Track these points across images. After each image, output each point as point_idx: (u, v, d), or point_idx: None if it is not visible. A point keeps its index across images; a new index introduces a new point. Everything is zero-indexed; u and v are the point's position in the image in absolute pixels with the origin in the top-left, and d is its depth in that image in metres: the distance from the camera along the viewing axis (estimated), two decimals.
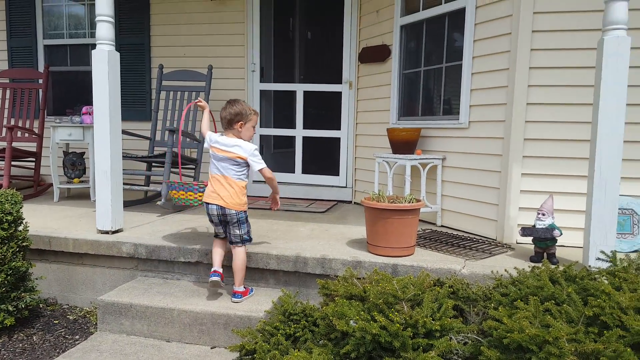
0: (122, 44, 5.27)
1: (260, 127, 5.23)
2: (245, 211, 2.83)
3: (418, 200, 2.97)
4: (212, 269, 2.80)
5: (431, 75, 4.07)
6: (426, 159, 3.77)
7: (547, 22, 3.10)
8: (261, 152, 5.20)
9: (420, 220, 3.15)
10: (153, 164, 4.69)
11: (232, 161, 2.76)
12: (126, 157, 4.17)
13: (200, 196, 3.01)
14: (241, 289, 2.83)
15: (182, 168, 4.64)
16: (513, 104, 3.19)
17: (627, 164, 2.73)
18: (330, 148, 5.39)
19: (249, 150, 2.77)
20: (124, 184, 3.94)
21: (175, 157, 4.17)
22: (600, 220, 2.57)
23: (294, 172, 5.21)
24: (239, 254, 2.81)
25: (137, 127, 5.05)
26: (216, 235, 2.91)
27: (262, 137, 5.33)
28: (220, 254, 2.87)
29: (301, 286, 2.96)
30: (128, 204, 4.38)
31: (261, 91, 5.19)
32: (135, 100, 5.38)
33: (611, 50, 2.44)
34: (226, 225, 2.82)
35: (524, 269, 2.47)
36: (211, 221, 2.86)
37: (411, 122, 4.17)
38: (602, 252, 2.51)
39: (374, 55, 4.57)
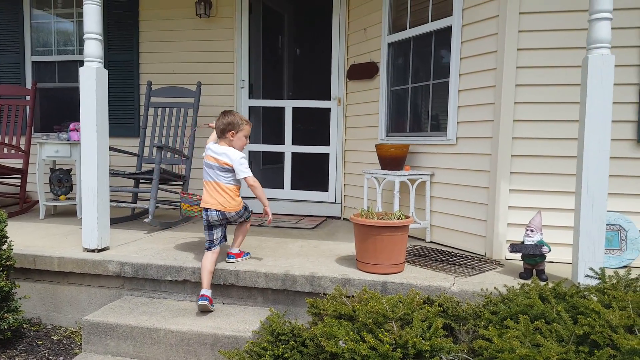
0: (110, 60, 5.26)
1: (250, 143, 5.19)
2: (243, 207, 3.10)
3: (407, 217, 2.96)
4: (201, 292, 2.83)
5: (419, 91, 4.10)
6: (415, 175, 3.77)
7: (532, 39, 3.14)
8: (250, 168, 5.25)
9: (409, 236, 3.14)
10: (141, 181, 4.65)
11: (221, 168, 2.97)
12: (113, 173, 4.15)
13: (196, 209, 3.32)
14: (235, 250, 3.11)
15: (170, 184, 4.62)
16: (500, 120, 3.22)
17: (613, 180, 2.76)
18: (319, 164, 5.39)
19: (235, 158, 2.96)
20: (111, 201, 3.89)
21: (163, 174, 4.14)
22: (589, 236, 2.58)
23: (283, 188, 5.19)
24: (245, 224, 3.18)
25: (125, 144, 5.02)
26: (208, 248, 2.97)
27: (251, 153, 5.32)
28: (209, 272, 2.90)
29: (290, 305, 2.93)
30: (115, 222, 4.32)
31: (250, 107, 5.19)
32: (124, 117, 5.35)
33: (596, 68, 2.47)
34: (227, 224, 3.09)
35: (513, 286, 2.47)
36: (209, 227, 3.00)
37: (400, 138, 4.19)
38: (591, 269, 2.52)
39: (362, 72, 4.60)
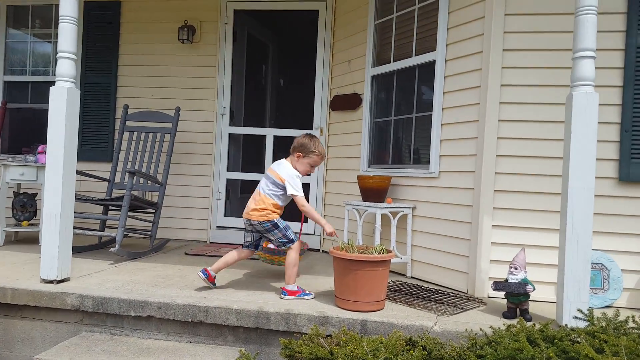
0: (87, 82, 5.15)
1: (228, 170, 5.10)
2: (272, 224, 3.00)
3: (389, 251, 2.85)
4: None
5: (402, 124, 4.07)
6: (396, 207, 3.69)
7: (515, 75, 3.14)
8: (227, 197, 5.13)
9: (390, 271, 3.03)
10: (110, 208, 4.45)
11: (272, 180, 3.01)
12: (81, 199, 3.96)
13: (269, 257, 3.38)
14: (289, 287, 2.98)
15: (142, 212, 4.44)
16: (483, 155, 3.18)
17: (595, 218, 2.70)
18: None
19: (289, 173, 2.99)
20: (77, 228, 3.73)
21: (134, 201, 3.96)
22: (574, 275, 2.50)
23: None
24: (290, 254, 3.03)
25: (97, 168, 4.85)
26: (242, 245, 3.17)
27: (229, 181, 5.17)
28: (225, 262, 3.11)
29: (263, 344, 2.75)
30: (80, 250, 4.12)
31: (230, 134, 5.08)
32: (98, 140, 5.18)
33: (580, 105, 2.45)
34: (261, 236, 3.12)
35: (499, 327, 2.36)
36: (244, 229, 3.15)
37: (382, 170, 4.12)
38: (579, 310, 2.43)
39: (345, 103, 4.57)
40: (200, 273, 3.07)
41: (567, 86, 2.59)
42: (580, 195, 2.48)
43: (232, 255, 3.13)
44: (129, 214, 3.99)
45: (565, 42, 2.94)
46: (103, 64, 5.16)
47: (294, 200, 3.01)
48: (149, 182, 4.40)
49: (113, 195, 4.46)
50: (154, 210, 4.38)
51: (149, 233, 4.36)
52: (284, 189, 2.99)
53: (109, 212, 4.49)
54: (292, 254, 3.01)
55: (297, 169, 3.04)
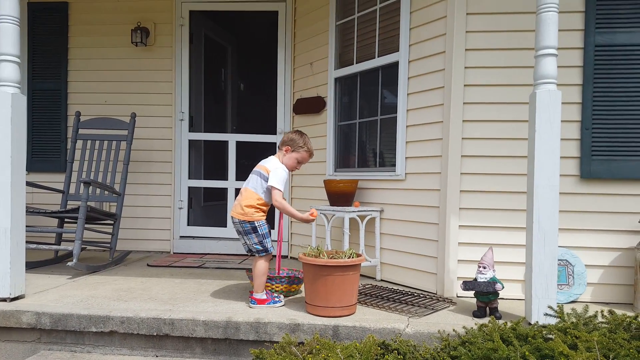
0: (35, 89, 4.90)
1: (189, 178, 4.94)
2: (252, 227, 2.89)
3: (359, 255, 2.81)
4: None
5: (367, 127, 4.05)
6: (364, 211, 3.65)
7: (478, 75, 3.17)
8: (190, 206, 4.98)
9: (360, 274, 2.98)
10: (66, 220, 4.23)
11: (259, 173, 2.93)
12: (33, 212, 3.75)
13: (285, 288, 3.14)
14: (258, 295, 2.89)
15: (100, 224, 4.24)
16: (448, 156, 3.19)
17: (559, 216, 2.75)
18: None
19: (275, 166, 2.93)
20: (31, 242, 3.54)
21: (90, 212, 3.77)
22: (541, 272, 2.53)
23: (226, 227, 4.91)
24: (257, 261, 2.93)
25: (50, 179, 4.62)
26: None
27: (191, 189, 5.02)
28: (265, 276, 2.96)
29: (233, 355, 2.65)
30: (34, 266, 3.90)
31: (190, 141, 4.93)
32: (49, 150, 4.93)
33: (544, 103, 2.48)
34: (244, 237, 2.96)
35: (471, 327, 2.35)
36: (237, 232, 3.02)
37: (348, 173, 4.08)
38: (550, 307, 2.45)
39: (308, 106, 4.51)
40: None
41: (530, 85, 2.63)
42: (545, 193, 2.51)
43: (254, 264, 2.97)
44: (87, 225, 3.81)
45: (528, 41, 2.98)
46: (52, 69, 4.92)
47: (271, 192, 2.88)
48: (106, 192, 4.21)
49: (68, 207, 4.24)
50: (112, 222, 4.19)
51: (109, 245, 4.17)
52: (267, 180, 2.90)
53: (65, 224, 4.28)
54: (262, 262, 2.91)
55: (283, 163, 2.99)
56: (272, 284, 3.07)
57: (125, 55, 4.87)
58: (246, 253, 3.12)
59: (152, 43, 4.84)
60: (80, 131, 4.48)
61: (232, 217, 2.97)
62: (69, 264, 3.55)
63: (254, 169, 3.00)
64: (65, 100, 4.91)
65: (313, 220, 2.94)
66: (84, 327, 2.68)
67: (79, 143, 4.50)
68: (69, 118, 4.84)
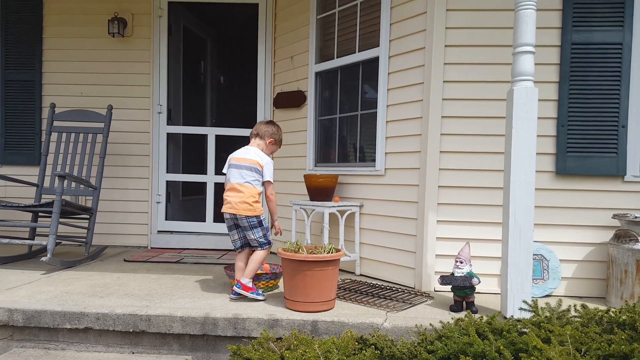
0: (8, 80, 4.78)
1: (167, 172, 4.87)
2: (258, 221, 2.95)
3: (338, 250, 2.81)
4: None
5: (347, 122, 4.04)
6: (344, 206, 3.66)
7: (457, 71, 3.19)
8: (168, 200, 4.92)
9: (339, 269, 2.99)
10: (40, 214, 4.14)
11: (249, 167, 2.94)
12: (6, 206, 3.66)
13: (263, 285, 3.10)
14: (245, 280, 2.89)
15: (75, 218, 4.16)
16: (427, 151, 3.21)
17: (534, 211, 2.79)
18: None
19: (266, 160, 2.99)
20: (3, 237, 3.47)
21: (65, 206, 3.70)
22: (517, 267, 2.57)
23: (204, 221, 4.86)
24: (257, 252, 2.98)
25: (23, 172, 4.52)
26: (234, 249, 3.07)
27: (170, 183, 4.95)
28: (240, 268, 2.97)
29: (211, 351, 2.63)
30: (7, 261, 3.82)
31: (168, 134, 4.85)
32: (23, 143, 4.80)
33: (521, 100, 2.51)
34: (238, 229, 2.99)
35: (448, 322, 2.37)
36: (229, 228, 3.03)
37: (328, 168, 4.08)
38: (524, 301, 2.49)
39: (289, 100, 4.48)
40: (236, 288, 2.90)
41: (509, 82, 2.65)
42: (521, 188, 2.55)
43: (237, 258, 3.04)
44: (61, 220, 3.74)
45: (507, 38, 3.00)
46: (26, 59, 4.79)
47: (265, 187, 2.99)
48: (82, 185, 4.13)
49: (42, 201, 4.15)
50: (88, 216, 4.12)
51: (85, 240, 4.10)
52: (262, 175, 2.96)
53: (39, 219, 4.19)
54: (263, 253, 2.98)
55: (267, 154, 3.05)
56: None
57: (102, 46, 4.77)
58: (232, 249, 3.19)
59: (130, 34, 4.74)
60: (55, 123, 4.38)
61: (232, 214, 2.92)
62: (43, 259, 3.48)
63: (237, 162, 2.96)
64: (39, 92, 4.79)
65: (277, 230, 3.14)
66: (58, 324, 2.64)
67: (54, 135, 4.40)
68: (44, 110, 4.73)
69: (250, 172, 2.93)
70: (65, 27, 4.79)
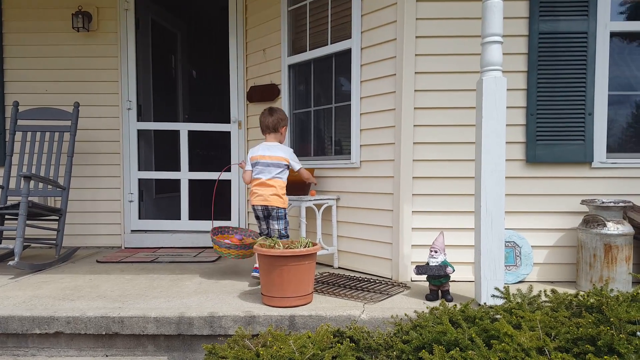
0: None
1: (140, 170, 4.78)
2: (284, 213, 3.24)
3: (314, 244, 2.80)
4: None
5: (322, 115, 4.02)
6: (321, 199, 3.65)
7: (429, 62, 3.20)
8: (141, 198, 4.83)
9: (317, 263, 2.99)
10: (6, 217, 4.01)
11: (275, 164, 3.18)
12: None
13: (234, 253, 3.31)
14: None
15: (44, 220, 4.05)
16: (401, 143, 3.22)
17: (506, 199, 2.82)
18: (221, 191, 5.07)
19: (289, 152, 3.26)
20: None
21: (33, 208, 3.59)
22: (489, 254, 2.60)
23: (179, 219, 4.79)
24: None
25: None
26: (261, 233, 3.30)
27: (142, 182, 4.86)
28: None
29: (187, 351, 2.60)
30: None
31: (139, 131, 4.75)
32: None
33: (490, 89, 2.53)
34: (268, 220, 3.23)
35: (423, 311, 2.40)
36: (257, 218, 3.28)
37: (304, 162, 4.03)
38: (496, 288, 2.52)
39: (262, 94, 4.43)
40: (255, 272, 3.16)
41: (478, 72, 2.66)
42: (492, 177, 2.57)
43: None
44: (30, 222, 3.63)
45: (477, 28, 3.02)
46: None
47: (300, 173, 3.34)
48: (49, 186, 4.01)
49: (8, 203, 4.02)
50: (57, 217, 4.01)
51: (54, 242, 3.99)
52: (287, 168, 3.23)
53: (6, 221, 4.05)
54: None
55: (282, 142, 3.32)
56: (229, 249, 3.30)
57: (66, 41, 4.62)
58: (209, 246, 3.31)
59: (95, 28, 4.61)
60: (20, 122, 4.24)
61: (264, 206, 3.18)
62: (11, 263, 3.38)
63: (265, 161, 3.18)
64: (1, 90, 4.62)
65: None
66: (26, 330, 2.57)
67: (18, 135, 4.27)
68: (7, 108, 4.57)
69: (277, 168, 3.18)
70: (27, 22, 4.63)
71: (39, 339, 2.61)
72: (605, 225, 2.91)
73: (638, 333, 1.86)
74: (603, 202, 2.97)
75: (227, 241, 3.39)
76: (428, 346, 1.97)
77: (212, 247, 4.60)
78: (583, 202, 3.08)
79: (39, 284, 3.24)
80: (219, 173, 4.84)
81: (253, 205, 3.24)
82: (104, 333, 2.56)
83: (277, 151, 3.21)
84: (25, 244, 3.54)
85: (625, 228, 2.92)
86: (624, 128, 3.29)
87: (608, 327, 1.82)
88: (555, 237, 3.22)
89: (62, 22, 4.58)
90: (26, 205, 3.47)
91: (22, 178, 3.51)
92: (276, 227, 3.20)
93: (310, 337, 2.04)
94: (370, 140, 3.49)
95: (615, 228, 2.90)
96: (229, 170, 4.54)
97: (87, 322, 2.56)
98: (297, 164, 3.28)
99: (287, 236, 3.22)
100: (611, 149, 3.23)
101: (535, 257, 3.20)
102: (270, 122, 3.25)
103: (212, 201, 5.36)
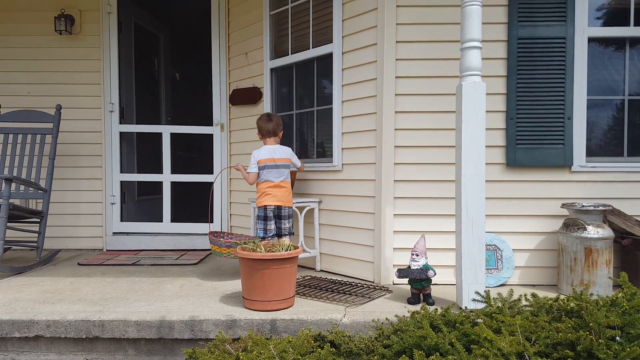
0: None
1: (122, 172, 4.74)
2: (292, 207, 3.46)
3: (296, 247, 2.81)
4: None
5: (304, 118, 4.03)
6: (303, 202, 3.65)
7: (409, 67, 3.22)
8: (123, 201, 4.80)
9: (299, 266, 3.00)
10: None
11: (284, 165, 3.41)
12: None
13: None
14: None
15: (26, 222, 4.00)
16: (382, 146, 3.24)
17: (486, 202, 2.87)
18: (203, 193, 5.06)
19: (290, 152, 3.50)
20: None
21: (14, 210, 3.55)
22: (470, 258, 2.63)
23: (162, 221, 4.76)
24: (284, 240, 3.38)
25: None
26: (262, 238, 3.35)
27: (124, 184, 4.82)
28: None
29: (168, 354, 2.59)
30: None
31: (121, 133, 4.71)
32: None
33: (469, 94, 2.56)
34: (280, 219, 3.40)
35: (404, 315, 2.41)
36: (265, 218, 3.37)
37: None
38: (477, 292, 2.55)
39: (245, 97, 4.43)
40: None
41: (458, 77, 2.70)
42: (472, 181, 2.60)
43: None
44: (10, 224, 3.59)
45: (456, 33, 3.06)
46: None
47: (301, 167, 3.63)
48: (30, 188, 3.96)
49: None
50: (39, 219, 3.96)
51: (36, 244, 3.94)
52: (294, 165, 3.52)
53: None
54: (289, 239, 3.38)
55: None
56: (229, 248, 3.37)
57: (48, 44, 4.58)
58: (190, 249, 3.35)
59: (78, 31, 4.58)
60: (1, 124, 4.20)
61: (278, 206, 3.36)
62: None
63: (275, 163, 3.36)
64: None
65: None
66: (6, 333, 2.54)
67: (0, 137, 4.21)
68: None
69: (285, 169, 3.40)
70: (8, 24, 4.58)
71: (19, 343, 2.58)
72: (585, 229, 2.94)
73: (617, 338, 1.88)
74: (583, 206, 2.99)
75: (227, 239, 3.46)
76: (409, 351, 1.98)
77: (195, 250, 4.59)
78: (563, 205, 3.11)
79: (20, 286, 3.20)
80: (202, 175, 4.84)
81: (265, 206, 3.35)
82: (84, 337, 2.54)
83: (282, 153, 3.41)
84: (5, 246, 3.50)
85: (606, 232, 2.95)
86: (604, 132, 3.34)
87: (587, 332, 1.84)
88: (536, 240, 3.26)
89: (45, 25, 4.54)
90: (7, 208, 3.42)
91: (3, 180, 3.47)
92: (287, 225, 3.41)
93: (291, 341, 2.04)
94: (351, 144, 3.51)
95: (595, 232, 2.93)
96: (220, 174, 4.55)
97: (68, 325, 2.54)
98: (297, 160, 3.54)
99: (293, 233, 3.49)
100: (591, 152, 3.27)
101: (517, 260, 3.23)
102: (271, 128, 3.43)
103: (194, 204, 5.34)
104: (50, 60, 4.60)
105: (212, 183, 4.76)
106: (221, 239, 3.43)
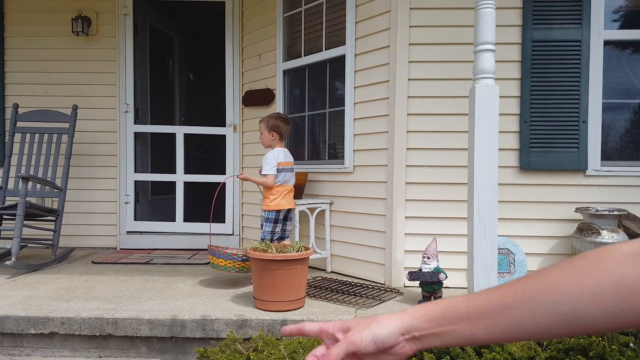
0: None
1: (136, 172, 4.80)
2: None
3: (307, 248, 2.82)
4: None
5: (316, 119, 4.05)
6: (314, 203, 3.67)
7: (422, 69, 3.22)
8: (137, 200, 4.85)
9: (310, 267, 3.01)
10: (4, 217, 4.03)
11: (290, 168, 3.44)
12: None
13: (239, 265, 3.12)
14: None
15: (41, 220, 4.07)
16: (394, 148, 3.24)
17: (499, 206, 2.83)
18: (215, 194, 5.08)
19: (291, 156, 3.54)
20: None
21: (30, 209, 3.62)
22: (482, 262, 2.61)
23: (174, 221, 4.81)
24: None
25: None
26: (271, 240, 3.34)
27: (138, 184, 4.87)
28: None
29: (179, 353, 2.62)
30: None
31: (136, 133, 4.78)
32: None
33: (483, 97, 2.54)
34: (285, 221, 3.45)
35: None
36: (276, 221, 3.39)
37: (299, 166, 4.07)
38: None
39: (257, 98, 4.46)
40: None
41: (471, 79, 2.69)
42: (485, 184, 2.58)
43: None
44: (26, 222, 3.66)
45: (469, 36, 3.03)
46: None
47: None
48: (47, 187, 4.04)
49: (6, 204, 4.04)
50: (54, 218, 4.03)
51: (51, 242, 4.01)
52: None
53: (4, 221, 4.07)
54: (288, 242, 3.42)
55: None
56: (227, 260, 3.14)
57: (66, 45, 4.66)
58: (202, 248, 3.20)
59: (95, 33, 4.65)
60: (19, 124, 4.27)
61: (289, 209, 3.44)
62: (7, 262, 3.41)
63: (291, 167, 3.43)
64: (2, 92, 4.66)
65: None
66: (22, 330, 2.59)
67: (18, 136, 4.30)
68: (7, 110, 4.60)
69: (294, 172, 3.48)
70: (28, 26, 4.67)
71: (34, 339, 2.63)
72: (599, 234, 2.91)
73: (631, 344, 1.86)
74: (597, 210, 2.96)
75: (227, 251, 3.19)
76: (419, 353, 1.98)
77: (206, 250, 4.61)
78: (577, 209, 3.08)
79: (35, 284, 3.26)
80: (214, 176, 4.87)
81: (278, 210, 3.38)
82: (97, 334, 2.58)
83: (291, 157, 3.49)
84: (22, 244, 3.56)
85: (620, 237, 2.90)
86: (619, 136, 3.31)
87: (600, 338, 1.83)
88: (550, 244, 3.23)
89: (62, 27, 4.62)
90: (24, 206, 3.49)
91: (21, 179, 3.54)
92: (289, 227, 3.49)
93: (301, 342, 2.05)
94: (363, 146, 3.52)
95: (609, 237, 2.89)
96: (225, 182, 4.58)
97: (82, 322, 2.58)
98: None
99: (289, 236, 3.54)
100: (606, 156, 3.24)
101: (529, 264, 3.21)
102: (289, 130, 3.53)
103: (207, 204, 5.36)
104: (67, 61, 4.67)
105: (223, 183, 4.80)
106: (221, 250, 3.19)
